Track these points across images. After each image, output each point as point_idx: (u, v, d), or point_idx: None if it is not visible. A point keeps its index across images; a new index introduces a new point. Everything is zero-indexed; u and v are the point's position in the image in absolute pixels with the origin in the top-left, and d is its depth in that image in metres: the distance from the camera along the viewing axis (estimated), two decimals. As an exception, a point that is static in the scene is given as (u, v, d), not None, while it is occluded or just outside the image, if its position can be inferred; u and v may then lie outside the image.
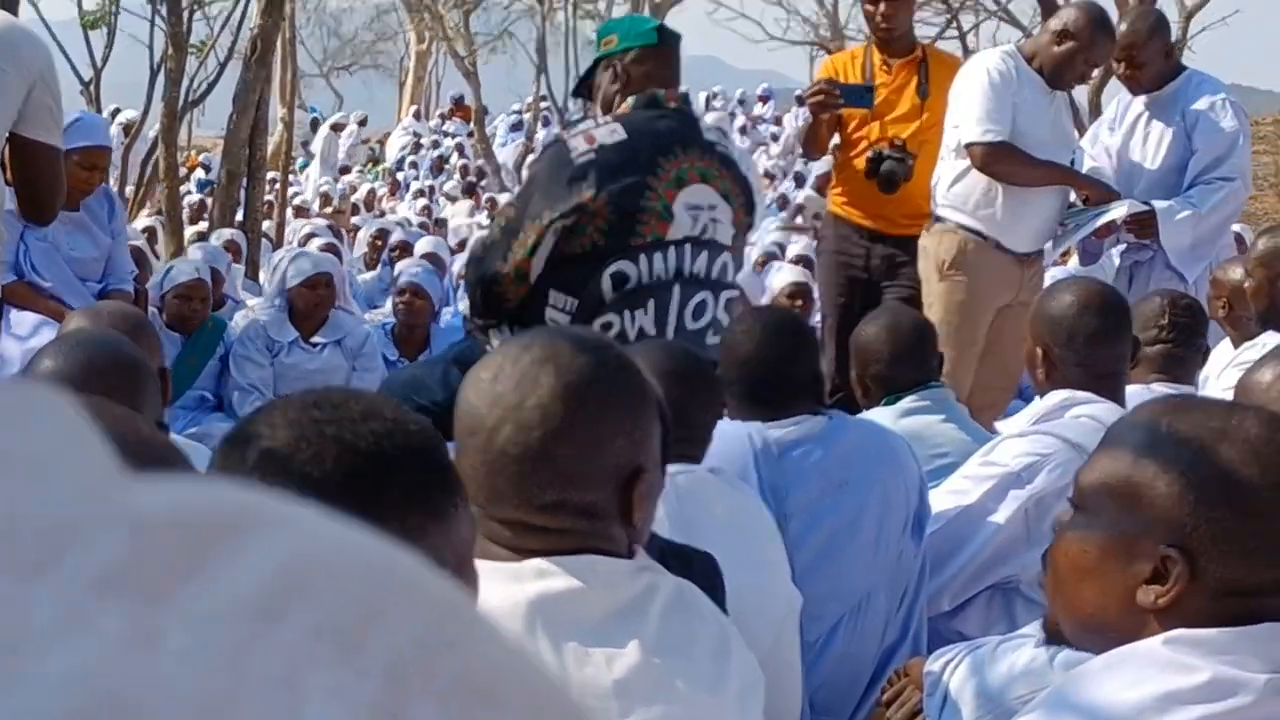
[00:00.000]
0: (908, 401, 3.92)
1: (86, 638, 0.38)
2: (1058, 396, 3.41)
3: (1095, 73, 6.60)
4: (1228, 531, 1.64)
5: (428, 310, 7.23)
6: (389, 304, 7.99)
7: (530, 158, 17.69)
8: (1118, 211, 5.44)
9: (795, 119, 22.13)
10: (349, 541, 0.43)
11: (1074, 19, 5.42)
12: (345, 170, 24.52)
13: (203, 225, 11.86)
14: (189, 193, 16.67)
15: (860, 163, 5.82)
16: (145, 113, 13.73)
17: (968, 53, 16.76)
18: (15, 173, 3.99)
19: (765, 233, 11.50)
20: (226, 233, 9.79)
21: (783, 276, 8.42)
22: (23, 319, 4.89)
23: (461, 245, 12.39)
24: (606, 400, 1.83)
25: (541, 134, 25.03)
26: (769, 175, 20.10)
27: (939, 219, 5.49)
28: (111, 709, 0.37)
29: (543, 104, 27.83)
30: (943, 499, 3.44)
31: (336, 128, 26.24)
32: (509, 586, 1.79)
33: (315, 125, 28.34)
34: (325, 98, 38.79)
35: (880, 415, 3.85)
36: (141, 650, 0.38)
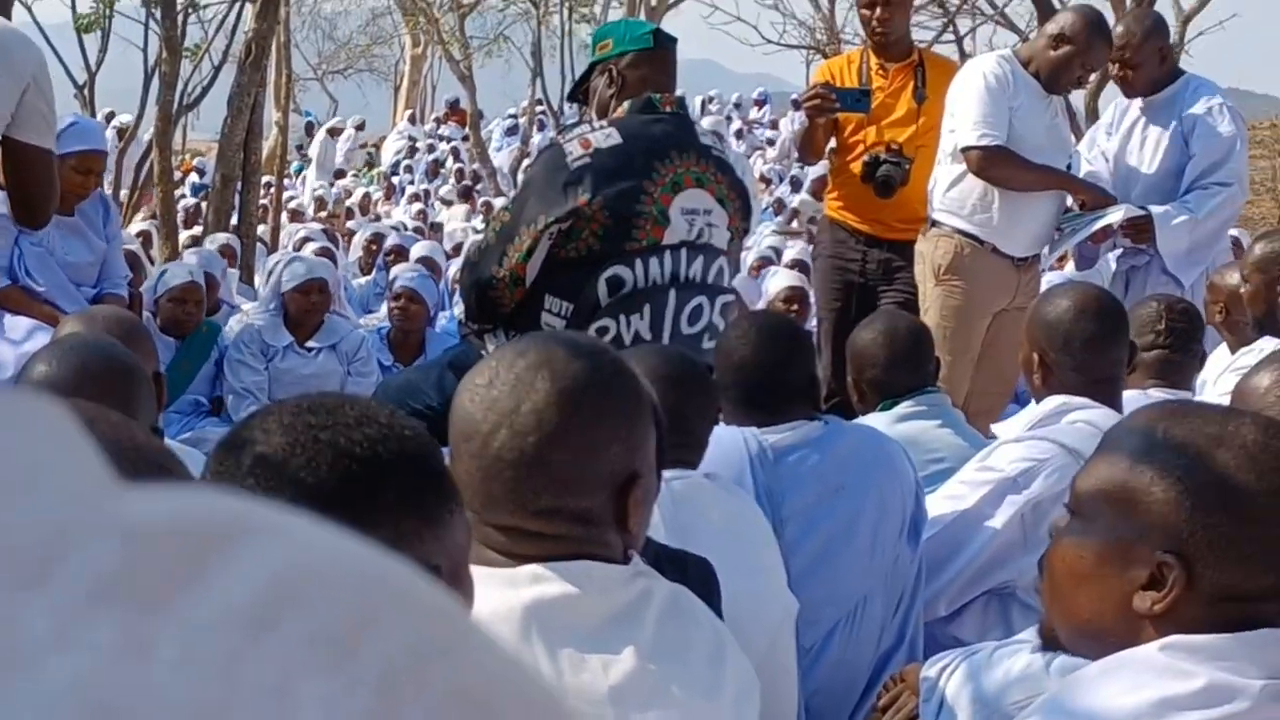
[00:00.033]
0: (904, 406, 3.92)
1: (80, 648, 0.37)
2: (1054, 402, 3.41)
3: (1092, 77, 6.61)
4: (1224, 537, 1.63)
5: (423, 315, 7.23)
6: (384, 309, 8.00)
7: (526, 162, 17.71)
8: (1114, 216, 5.44)
9: (791, 123, 22.15)
10: (342, 550, 0.43)
11: (1070, 23, 5.43)
12: (340, 174, 24.54)
13: (197, 229, 11.86)
14: (183, 197, 16.67)
15: (856, 167, 5.82)
16: (139, 116, 13.73)
17: (964, 57, 16.78)
18: (7, 176, 3.99)
19: (761, 237, 11.53)
20: (221, 237, 9.79)
21: (779, 281, 8.43)
22: (16, 323, 4.88)
23: (457, 249, 12.40)
24: (602, 405, 1.83)
25: (537, 138, 25.06)
26: (765, 179, 20.11)
27: (935, 223, 5.49)
28: (106, 719, 0.37)
29: (538, 108, 27.84)
30: (939, 504, 3.44)
31: (333, 132, 26.26)
32: (504, 592, 1.78)
33: (310, 129, 28.37)
34: (320, 101, 38.82)
35: (876, 420, 3.85)
36: (135, 660, 0.38)
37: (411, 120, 29.13)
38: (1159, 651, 1.63)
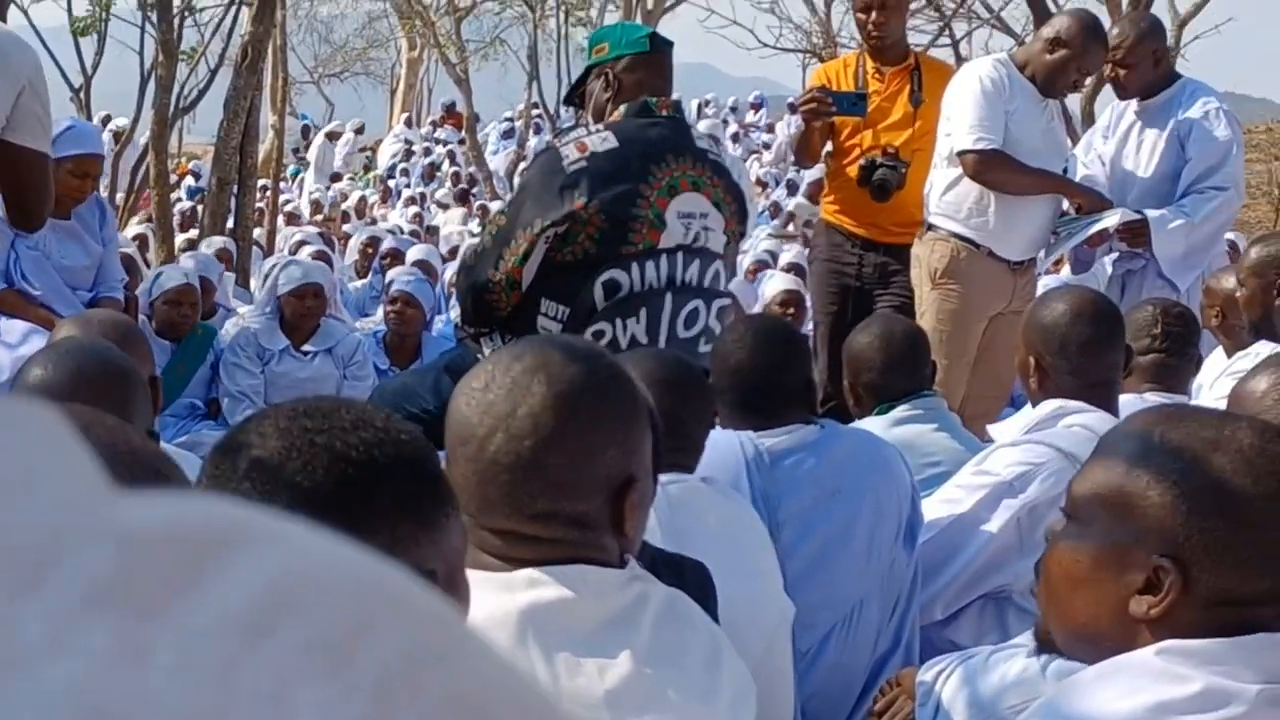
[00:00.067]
0: (900, 410, 3.92)
1: (74, 654, 0.37)
2: (1050, 405, 3.41)
3: (1088, 81, 6.61)
4: (1220, 542, 1.63)
5: (419, 319, 7.23)
6: (380, 312, 7.99)
7: (522, 165, 17.70)
8: (1110, 220, 5.44)
9: (788, 126, 22.15)
10: (338, 556, 0.43)
11: (1067, 27, 5.43)
12: (336, 178, 24.54)
13: (193, 233, 11.85)
14: (179, 200, 16.67)
15: (853, 170, 5.82)
16: (135, 119, 13.74)
17: (960, 60, 16.79)
18: (2, 179, 3.98)
19: (757, 240, 11.53)
20: (218, 241, 9.79)
21: (775, 284, 8.44)
22: (12, 326, 4.88)
23: (453, 253, 12.39)
24: (598, 409, 1.83)
25: (533, 141, 25.02)
26: (761, 183, 20.11)
27: (931, 227, 5.49)
28: (101, 725, 0.37)
29: (534, 111, 27.83)
30: (935, 508, 3.44)
31: (332, 136, 26.26)
32: (500, 596, 1.78)
33: (306, 132, 28.38)
34: (316, 105, 38.82)
35: (872, 424, 3.85)
36: (130, 666, 0.38)
37: (408, 123, 29.14)
38: (1155, 656, 1.63)
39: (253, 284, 9.86)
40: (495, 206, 12.54)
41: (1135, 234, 5.51)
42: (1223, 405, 2.92)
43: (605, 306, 4.03)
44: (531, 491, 1.81)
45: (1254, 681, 1.59)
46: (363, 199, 21.12)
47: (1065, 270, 7.04)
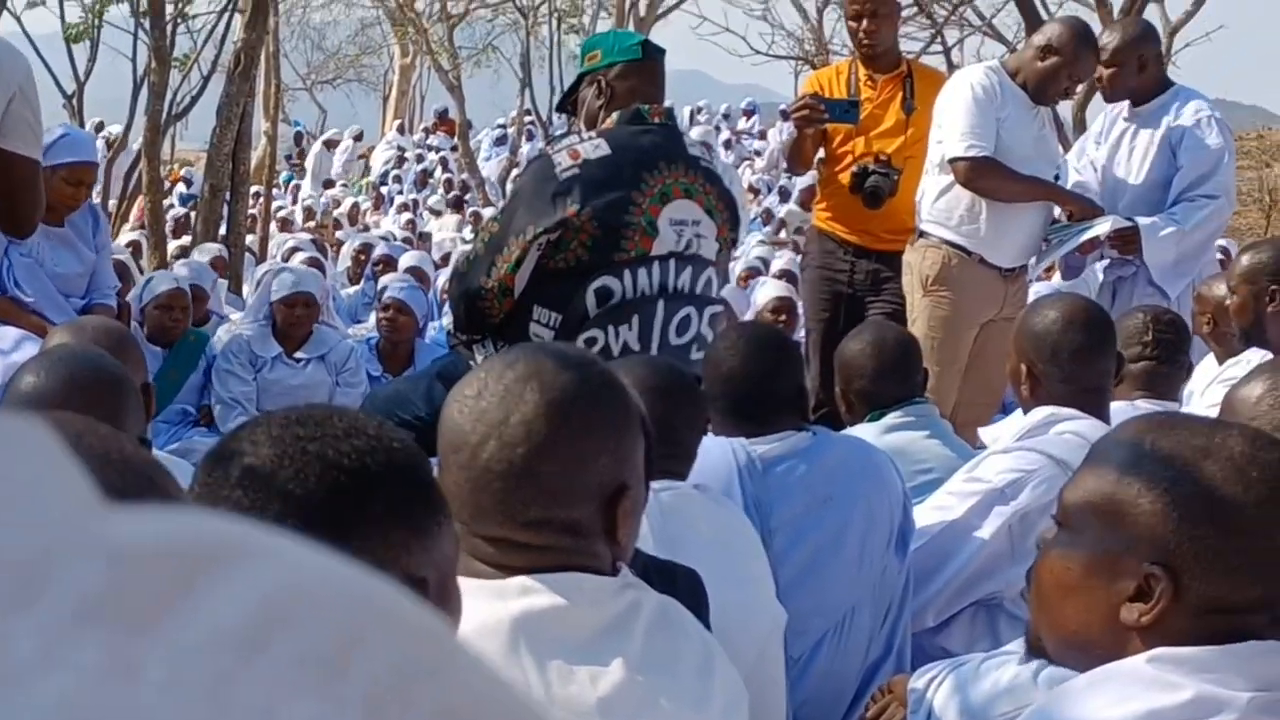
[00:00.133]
0: (892, 417, 3.92)
1: (66, 669, 0.37)
2: (1042, 413, 3.41)
3: (1079, 88, 6.61)
4: (1211, 549, 1.64)
5: (411, 326, 7.22)
6: (372, 319, 7.98)
7: (515, 172, 17.71)
8: (1101, 227, 5.45)
9: (780, 134, 22.14)
10: (330, 571, 0.43)
11: (1058, 34, 5.44)
12: (329, 184, 24.52)
13: (186, 239, 11.84)
14: (172, 206, 16.66)
15: (845, 178, 5.82)
16: (128, 126, 13.73)
17: (952, 68, 16.79)
18: (-7, 185, 3.98)
19: (749, 247, 11.52)
20: (211, 247, 9.77)
21: (767, 291, 8.43)
22: (4, 333, 4.86)
23: (446, 260, 12.38)
24: (590, 417, 1.83)
25: (526, 148, 25.03)
26: (753, 190, 20.12)
27: (923, 234, 5.50)
28: (92, 740, 0.37)
29: (527, 118, 27.83)
30: (927, 515, 3.44)
31: (330, 144, 26.24)
32: (493, 604, 1.78)
33: (299, 139, 28.34)
34: (309, 111, 38.76)
35: (864, 431, 3.85)
36: (122, 681, 0.38)
37: (400, 130, 29.11)
38: (1146, 663, 1.63)
39: (245, 291, 9.84)
40: (488, 213, 12.53)
41: (1126, 241, 5.52)
42: (1214, 412, 2.92)
43: (597, 314, 4.03)
44: (524, 499, 1.81)
45: (1245, 689, 1.59)
46: (355, 205, 21.09)
47: (1056, 277, 7.05)
